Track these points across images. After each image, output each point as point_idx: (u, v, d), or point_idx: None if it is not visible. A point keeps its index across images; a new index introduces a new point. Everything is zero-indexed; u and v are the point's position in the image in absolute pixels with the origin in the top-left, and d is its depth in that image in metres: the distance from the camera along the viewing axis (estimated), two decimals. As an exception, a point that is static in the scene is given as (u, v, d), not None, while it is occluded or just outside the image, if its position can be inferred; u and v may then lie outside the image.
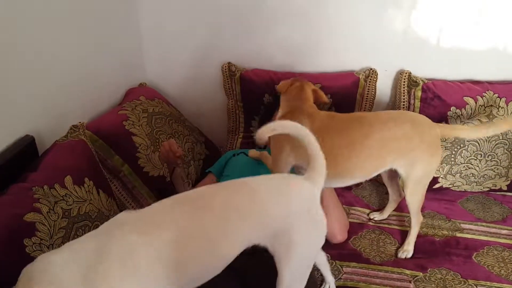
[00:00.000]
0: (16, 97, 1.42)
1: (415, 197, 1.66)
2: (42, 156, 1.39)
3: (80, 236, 1.27)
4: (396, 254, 1.74)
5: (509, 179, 2.03)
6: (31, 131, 1.48)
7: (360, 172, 1.60)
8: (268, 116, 2.12)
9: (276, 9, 2.17)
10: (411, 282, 1.58)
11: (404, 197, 1.70)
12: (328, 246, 1.73)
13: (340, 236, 1.73)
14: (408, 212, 1.90)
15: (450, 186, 2.06)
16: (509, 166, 1.99)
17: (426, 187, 1.68)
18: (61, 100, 1.67)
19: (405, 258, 1.71)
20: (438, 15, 2.04)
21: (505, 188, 2.06)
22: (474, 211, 2.00)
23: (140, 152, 1.84)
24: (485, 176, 2.02)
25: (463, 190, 2.09)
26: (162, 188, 1.89)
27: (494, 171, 2.00)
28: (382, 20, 2.10)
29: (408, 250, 1.72)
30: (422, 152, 1.57)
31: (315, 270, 1.53)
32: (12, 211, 1.16)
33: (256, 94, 2.21)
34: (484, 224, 1.91)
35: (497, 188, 2.07)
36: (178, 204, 1.06)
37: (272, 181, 1.19)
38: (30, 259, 0.93)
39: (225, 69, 2.26)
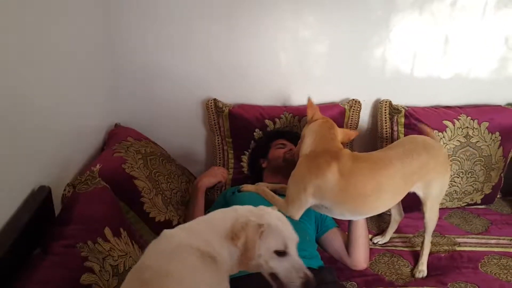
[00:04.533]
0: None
1: (433, 215, 1.75)
2: (69, 207, 1.21)
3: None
4: (412, 274, 1.79)
5: (484, 193, 2.22)
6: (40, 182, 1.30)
7: (385, 207, 1.67)
8: (260, 151, 2.10)
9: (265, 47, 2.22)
10: (441, 299, 1.64)
11: (422, 217, 1.77)
12: (352, 275, 1.75)
13: (365, 264, 1.75)
14: (409, 233, 2.01)
15: (436, 204, 2.20)
16: (484, 181, 2.19)
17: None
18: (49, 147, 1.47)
19: (422, 277, 1.77)
20: (408, 49, 2.23)
21: (479, 201, 2.25)
22: (460, 225, 2.14)
23: (144, 197, 1.70)
24: (465, 192, 2.19)
25: (445, 207, 2.24)
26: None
27: (472, 186, 2.18)
28: (360, 54, 2.24)
29: (423, 270, 1.78)
30: (437, 173, 1.67)
31: None
32: (67, 274, 0.99)
33: (246, 130, 2.18)
34: (474, 236, 2.05)
35: (473, 202, 2.25)
36: None
37: None
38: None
39: (211, 106, 2.20)
